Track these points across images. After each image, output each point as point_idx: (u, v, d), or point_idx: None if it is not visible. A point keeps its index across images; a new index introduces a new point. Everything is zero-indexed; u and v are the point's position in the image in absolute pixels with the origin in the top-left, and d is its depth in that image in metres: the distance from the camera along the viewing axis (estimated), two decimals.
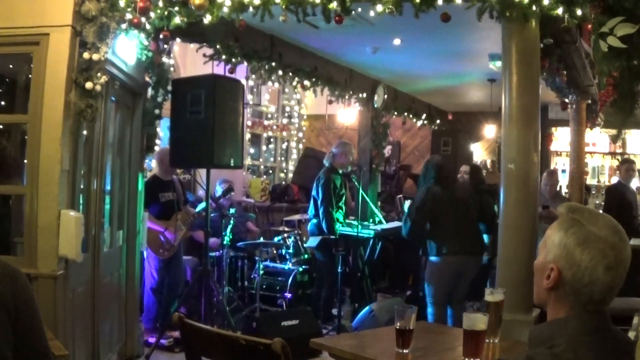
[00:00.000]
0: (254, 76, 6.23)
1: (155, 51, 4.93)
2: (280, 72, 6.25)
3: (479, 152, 11.57)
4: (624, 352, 1.53)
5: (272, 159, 11.37)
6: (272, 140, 11.30)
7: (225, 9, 4.23)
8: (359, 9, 4.42)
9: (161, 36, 4.54)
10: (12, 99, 4.60)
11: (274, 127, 11.10)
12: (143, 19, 4.29)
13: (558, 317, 1.57)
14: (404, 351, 2.65)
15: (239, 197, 8.83)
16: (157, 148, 5.96)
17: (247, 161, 10.14)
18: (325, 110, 9.55)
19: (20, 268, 1.81)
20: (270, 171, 11.32)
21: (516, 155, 4.26)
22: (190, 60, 7.74)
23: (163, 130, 7.31)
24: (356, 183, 7.31)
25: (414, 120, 10.10)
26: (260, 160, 10.96)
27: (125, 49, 4.56)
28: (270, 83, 6.84)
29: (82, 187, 4.30)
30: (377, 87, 8.36)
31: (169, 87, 5.33)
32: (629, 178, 7.76)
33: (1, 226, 4.54)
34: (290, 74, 6.43)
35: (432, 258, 5.50)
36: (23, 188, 4.04)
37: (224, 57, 5.51)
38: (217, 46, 5.42)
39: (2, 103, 4.74)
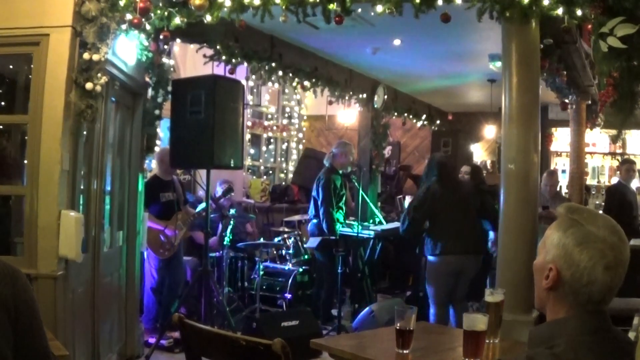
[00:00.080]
0: (254, 77, 6.24)
1: (156, 52, 4.93)
2: (280, 73, 6.25)
3: (479, 153, 11.57)
4: (624, 352, 1.53)
5: (272, 160, 11.37)
6: (272, 140, 11.31)
7: (226, 10, 4.23)
8: (359, 10, 4.42)
9: (161, 37, 4.54)
10: (13, 100, 4.60)
11: (274, 127, 11.10)
12: (143, 20, 4.29)
13: (557, 317, 1.58)
14: (404, 351, 2.65)
15: (239, 198, 8.83)
16: (157, 148, 5.96)
17: (247, 162, 10.15)
18: (325, 110, 9.56)
19: (20, 268, 1.81)
20: (270, 172, 11.32)
21: (516, 155, 4.26)
22: (190, 61, 7.75)
23: (163, 130, 7.32)
24: (356, 183, 7.30)
25: (414, 120, 10.10)
26: (261, 160, 10.96)
27: (126, 50, 4.56)
28: (270, 83, 6.85)
29: (82, 187, 4.30)
30: (377, 88, 8.36)
31: (169, 88, 5.33)
32: (629, 178, 7.76)
33: (1, 226, 4.54)
34: (291, 74, 6.43)
35: (431, 257, 5.49)
36: (23, 188, 4.04)
37: (224, 57, 5.52)
38: (217, 47, 5.42)
39: (3, 103, 4.74)
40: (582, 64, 5.84)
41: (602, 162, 10.75)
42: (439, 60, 7.20)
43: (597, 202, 10.06)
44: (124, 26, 4.30)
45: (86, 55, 3.99)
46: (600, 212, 1.76)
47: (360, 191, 7.38)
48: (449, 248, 5.38)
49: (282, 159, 11.54)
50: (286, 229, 7.78)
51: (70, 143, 4.00)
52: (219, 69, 5.75)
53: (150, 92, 5.25)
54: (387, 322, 5.83)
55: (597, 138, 10.36)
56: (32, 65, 4.02)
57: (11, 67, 4.62)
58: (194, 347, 2.34)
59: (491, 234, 5.96)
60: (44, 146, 3.90)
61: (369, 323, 6.07)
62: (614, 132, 9.39)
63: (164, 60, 5.22)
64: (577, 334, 1.51)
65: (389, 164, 11.14)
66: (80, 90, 3.98)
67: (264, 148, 11.00)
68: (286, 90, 11.04)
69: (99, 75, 4.03)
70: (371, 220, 7.94)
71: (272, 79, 6.29)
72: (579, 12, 4.12)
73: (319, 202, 6.78)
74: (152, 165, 6.58)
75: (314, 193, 6.92)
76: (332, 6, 4.13)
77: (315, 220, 6.88)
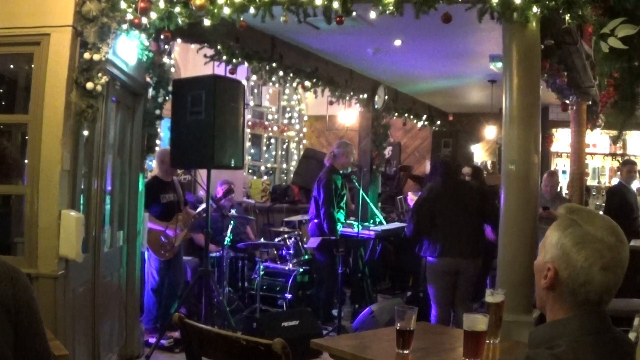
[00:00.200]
0: (254, 77, 6.24)
1: (156, 52, 4.93)
2: (280, 73, 6.25)
3: (480, 153, 11.57)
4: (625, 353, 1.53)
5: (272, 160, 11.37)
6: (272, 140, 11.31)
7: (226, 10, 4.23)
8: (360, 10, 4.42)
9: (162, 37, 4.55)
10: (13, 99, 4.60)
11: (275, 127, 11.10)
12: (144, 20, 4.29)
13: (557, 318, 1.58)
14: (405, 352, 2.65)
15: (240, 198, 8.83)
16: (157, 148, 5.96)
17: (248, 162, 10.15)
18: (325, 111, 9.56)
19: (20, 268, 1.81)
20: (271, 172, 11.32)
21: (517, 156, 4.26)
22: (191, 61, 7.75)
23: (164, 130, 7.32)
24: (356, 184, 7.30)
25: (415, 121, 10.11)
26: (261, 160, 10.96)
27: (126, 50, 4.56)
28: (270, 84, 6.85)
29: (82, 187, 4.30)
30: (377, 88, 8.36)
31: (170, 88, 5.33)
32: (630, 179, 7.76)
33: (1, 226, 4.54)
34: (291, 74, 6.43)
35: (430, 258, 5.48)
36: (23, 188, 4.04)
37: (224, 57, 5.52)
38: (218, 47, 5.42)
39: (3, 103, 4.74)
40: (583, 64, 5.83)
41: (603, 163, 10.75)
42: (440, 60, 7.20)
43: (598, 203, 10.06)
44: (124, 26, 4.30)
45: (87, 55, 3.99)
46: (601, 213, 1.76)
47: (361, 191, 7.38)
48: (447, 250, 5.35)
49: (283, 159, 11.55)
50: (286, 229, 7.78)
51: (70, 143, 4.00)
52: (220, 69, 5.75)
53: (150, 92, 5.25)
54: (387, 322, 5.83)
55: (598, 139, 10.37)
56: (32, 65, 4.01)
57: (12, 66, 4.62)
58: (194, 347, 2.34)
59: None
60: (45, 146, 3.90)
61: (369, 323, 6.07)
62: (614, 133, 9.39)
63: (165, 60, 5.22)
64: (577, 334, 1.51)
65: (390, 165, 11.15)
66: (80, 90, 3.98)
67: (264, 148, 11.01)
68: (287, 91, 11.04)
69: (100, 75, 4.03)
70: (371, 221, 7.94)
71: (273, 79, 6.30)
72: (579, 13, 4.12)
73: (320, 203, 6.77)
74: (153, 165, 6.58)
75: (314, 193, 6.92)
76: (333, 6, 4.13)
77: (316, 221, 6.87)
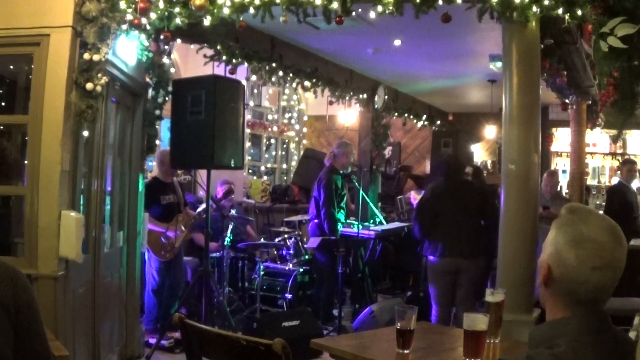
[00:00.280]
0: (254, 77, 6.24)
1: (156, 52, 4.93)
2: (280, 73, 6.25)
3: (480, 153, 11.57)
4: (625, 352, 1.53)
5: (272, 160, 11.37)
6: (272, 141, 11.31)
7: (226, 10, 4.23)
8: (360, 10, 4.42)
9: (162, 37, 4.54)
10: (13, 100, 4.60)
11: (275, 127, 11.11)
12: (143, 20, 4.29)
13: (556, 317, 1.58)
14: (405, 352, 2.65)
15: (240, 198, 8.83)
16: (157, 149, 5.96)
17: (248, 162, 10.15)
18: (325, 111, 9.56)
19: (20, 269, 1.81)
20: (271, 172, 11.32)
21: (517, 155, 4.26)
22: (190, 61, 7.75)
23: (163, 130, 7.32)
24: (356, 184, 7.31)
25: (415, 121, 10.11)
26: (261, 161, 10.96)
27: (126, 50, 4.56)
28: (270, 84, 6.85)
29: (82, 187, 4.30)
30: (377, 88, 8.36)
31: (170, 88, 5.33)
32: (630, 178, 7.76)
33: (1, 227, 4.54)
34: (291, 74, 6.43)
35: (430, 258, 5.48)
36: (23, 189, 4.04)
37: (224, 57, 5.52)
38: (218, 47, 5.42)
39: (3, 104, 4.74)
40: (583, 64, 5.83)
41: (603, 163, 10.76)
42: (440, 60, 7.20)
43: (598, 203, 10.07)
44: (124, 26, 4.30)
45: (86, 56, 3.99)
46: (601, 212, 1.76)
47: (361, 191, 7.38)
48: (447, 250, 5.34)
49: (283, 159, 11.55)
50: (286, 229, 7.78)
51: (70, 143, 4.00)
52: (220, 69, 5.75)
53: (150, 92, 5.25)
54: (388, 322, 5.83)
55: (598, 138, 10.36)
56: (32, 66, 4.02)
57: (12, 67, 4.62)
58: (194, 347, 2.34)
59: None
60: (45, 146, 3.90)
61: (369, 323, 6.07)
62: (614, 132, 9.39)
63: (165, 60, 5.22)
64: (577, 334, 1.51)
65: (390, 165, 11.15)
66: (80, 90, 3.98)
67: (264, 148, 11.01)
68: (286, 91, 11.04)
69: (100, 75, 4.03)
70: (372, 221, 7.94)
71: (273, 79, 6.30)
72: (579, 12, 4.12)
73: (321, 203, 6.77)
74: (153, 165, 6.58)
75: (315, 193, 6.92)
76: (333, 6, 4.13)
77: (316, 221, 6.87)
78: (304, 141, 11.90)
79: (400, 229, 7.72)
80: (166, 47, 5.13)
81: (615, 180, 9.20)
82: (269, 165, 11.23)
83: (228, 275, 6.68)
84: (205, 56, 5.59)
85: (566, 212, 1.60)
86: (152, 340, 5.50)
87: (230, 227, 6.85)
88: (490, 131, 10.35)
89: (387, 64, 7.42)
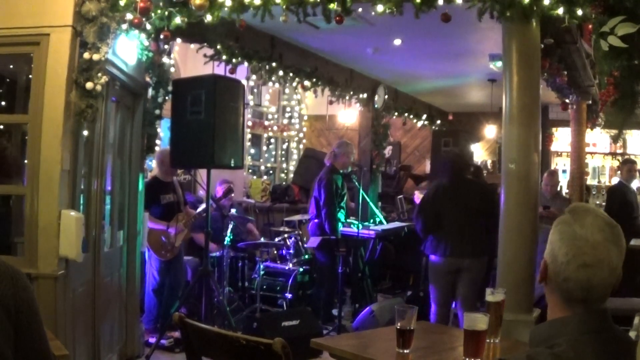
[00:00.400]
0: (254, 76, 6.24)
1: (156, 51, 4.93)
2: (280, 73, 6.25)
3: (480, 153, 11.56)
4: (625, 351, 1.53)
5: (272, 160, 11.37)
6: (272, 140, 11.31)
7: (226, 10, 4.23)
8: (360, 9, 4.42)
9: (161, 36, 4.54)
10: (13, 99, 4.60)
11: (275, 127, 11.10)
12: (143, 19, 4.29)
13: (555, 316, 1.59)
14: (405, 351, 2.65)
15: (240, 198, 8.83)
16: (157, 148, 5.96)
17: (248, 161, 10.15)
18: (325, 110, 9.56)
19: (20, 268, 1.81)
20: (271, 172, 11.32)
21: (517, 155, 4.25)
22: (190, 61, 7.74)
23: (163, 130, 7.32)
24: (356, 183, 7.31)
25: (415, 120, 10.11)
26: (261, 160, 10.96)
27: (126, 49, 4.56)
28: (270, 83, 6.85)
29: (82, 187, 4.30)
30: (377, 88, 8.36)
31: (170, 88, 5.33)
32: (630, 178, 7.76)
33: (1, 226, 4.54)
34: (291, 74, 6.43)
35: (431, 257, 5.47)
36: (23, 188, 4.04)
37: (224, 57, 5.52)
38: (218, 46, 5.42)
39: (3, 103, 4.74)
40: (583, 63, 5.83)
41: (603, 162, 10.75)
42: (440, 60, 7.20)
43: (598, 202, 10.06)
44: (124, 26, 4.30)
45: (86, 55, 3.99)
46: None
47: (361, 191, 7.38)
48: (449, 249, 5.32)
49: (283, 159, 11.54)
50: (286, 229, 7.78)
51: (70, 143, 4.00)
52: (220, 69, 5.75)
53: (150, 92, 5.25)
54: (388, 322, 5.83)
55: (598, 138, 10.36)
56: (32, 65, 4.01)
57: (11, 67, 4.62)
58: (194, 346, 2.34)
59: None
60: (45, 146, 3.90)
61: (369, 323, 6.07)
62: (614, 132, 9.39)
63: (165, 60, 5.22)
64: (577, 333, 1.51)
65: (390, 164, 11.14)
66: (80, 90, 3.98)
67: (264, 148, 11.00)
68: (286, 90, 11.04)
69: (99, 75, 4.03)
70: (372, 220, 7.95)
71: (273, 78, 6.30)
72: (579, 12, 4.12)
73: (322, 203, 6.76)
74: (152, 165, 6.58)
75: (315, 193, 6.91)
76: (333, 6, 4.13)
77: (316, 220, 6.87)
78: (304, 141, 11.90)
79: (401, 228, 7.72)
80: (166, 46, 5.13)
81: (615, 180, 9.20)
82: (269, 165, 11.23)
83: (228, 275, 6.67)
84: (205, 56, 5.59)
85: (567, 210, 1.62)
86: (152, 340, 5.50)
87: (230, 226, 6.85)
88: (490, 131, 10.35)
89: (387, 64, 7.42)
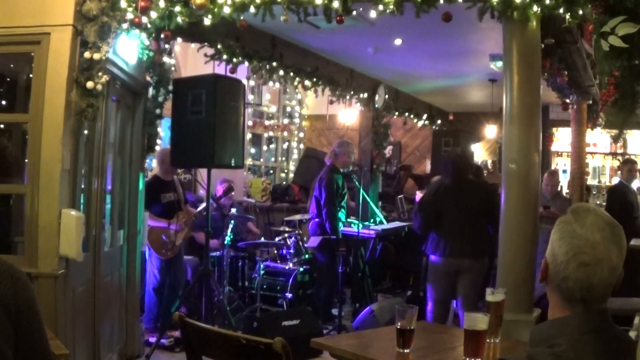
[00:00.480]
0: (255, 76, 6.24)
1: (156, 51, 4.93)
2: (281, 72, 6.25)
3: (480, 153, 11.56)
4: (625, 351, 1.53)
5: (272, 159, 11.37)
6: (273, 140, 11.31)
7: (227, 9, 4.23)
8: (360, 9, 4.42)
9: (162, 36, 4.54)
10: (13, 99, 4.60)
11: (275, 127, 11.10)
12: (144, 19, 4.29)
13: (555, 316, 1.59)
14: (405, 351, 2.65)
15: (240, 197, 8.83)
16: (157, 148, 5.96)
17: (248, 161, 10.15)
18: (326, 110, 9.55)
19: (20, 267, 1.81)
20: (271, 171, 11.32)
21: (517, 155, 4.25)
22: (191, 60, 7.75)
23: (164, 130, 7.32)
24: (357, 183, 7.30)
25: (415, 120, 10.11)
26: (261, 160, 10.96)
27: (127, 49, 4.56)
28: (271, 83, 6.84)
29: (82, 186, 4.30)
30: (378, 87, 8.36)
31: (170, 87, 5.33)
32: (630, 178, 7.76)
33: (2, 226, 4.54)
34: (291, 74, 6.43)
35: (431, 256, 5.46)
36: (24, 187, 4.04)
37: (225, 57, 5.52)
38: (218, 46, 5.42)
39: (3, 102, 4.74)
40: (583, 63, 5.83)
41: (603, 162, 10.75)
42: (440, 60, 7.19)
43: (598, 202, 10.06)
44: (125, 25, 4.29)
45: (87, 54, 3.99)
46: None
47: (361, 191, 7.38)
48: (449, 250, 5.31)
49: (283, 159, 11.54)
50: (287, 229, 7.78)
51: (71, 142, 4.00)
52: (220, 69, 5.75)
53: (151, 91, 5.25)
54: (388, 321, 5.83)
55: (598, 138, 10.36)
56: (33, 64, 4.01)
57: (12, 66, 4.62)
58: (194, 346, 2.34)
59: None
60: (45, 145, 3.90)
61: (369, 322, 6.07)
62: (615, 132, 9.39)
63: (165, 59, 5.21)
64: (578, 333, 1.51)
65: (390, 164, 11.14)
66: (81, 89, 3.98)
67: (264, 147, 11.00)
68: (287, 90, 11.04)
69: (100, 74, 4.03)
70: (372, 220, 7.94)
71: (273, 78, 6.29)
72: (580, 12, 4.11)
73: (322, 203, 6.76)
74: (153, 164, 6.58)
75: (315, 193, 6.91)
76: (333, 6, 4.13)
77: (317, 220, 6.87)
78: (304, 140, 11.90)
79: (401, 228, 7.72)
80: (167, 46, 5.13)
81: (615, 180, 9.20)
82: (269, 165, 11.23)
83: (228, 274, 6.68)
84: (205, 55, 5.59)
85: (568, 211, 1.63)
86: (152, 339, 5.50)
87: (231, 226, 6.85)
88: (490, 131, 10.35)
89: (387, 63, 7.42)
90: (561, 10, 4.05)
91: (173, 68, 5.60)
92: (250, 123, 10.06)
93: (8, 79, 4.72)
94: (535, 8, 4.01)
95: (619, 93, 5.91)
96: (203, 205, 6.18)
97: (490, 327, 2.62)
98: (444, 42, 6.25)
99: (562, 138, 10.71)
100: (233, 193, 7.12)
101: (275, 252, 7.54)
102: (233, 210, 7.14)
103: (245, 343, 2.12)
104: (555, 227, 1.60)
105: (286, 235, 7.55)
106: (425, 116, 10.24)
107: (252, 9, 4.22)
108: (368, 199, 7.80)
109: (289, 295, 6.82)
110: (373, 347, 2.97)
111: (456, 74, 8.01)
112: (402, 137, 11.88)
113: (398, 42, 6.23)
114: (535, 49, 4.31)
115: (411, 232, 6.98)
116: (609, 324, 1.55)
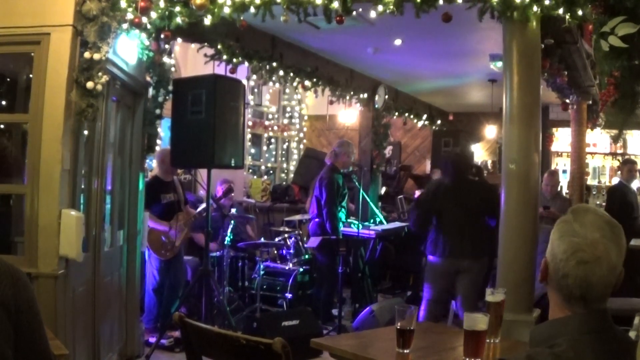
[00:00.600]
0: (255, 76, 6.23)
1: (156, 51, 4.93)
2: (281, 72, 6.25)
3: (480, 153, 11.56)
4: (625, 352, 1.53)
5: (272, 159, 11.37)
6: (272, 140, 11.31)
7: (227, 9, 4.23)
8: (360, 9, 4.42)
9: (162, 36, 4.54)
10: (13, 99, 4.60)
11: (275, 127, 11.10)
12: (144, 19, 4.29)
13: (556, 316, 1.59)
14: (405, 351, 2.65)
15: (240, 198, 8.83)
16: (157, 148, 5.95)
17: (248, 161, 10.15)
18: (326, 110, 9.56)
19: (20, 267, 1.81)
20: (271, 171, 11.32)
21: (517, 155, 4.25)
22: (191, 60, 7.75)
23: (164, 130, 7.32)
24: (357, 183, 7.30)
25: (415, 120, 10.11)
26: (261, 160, 10.96)
27: (126, 49, 4.56)
28: (271, 83, 6.84)
29: (82, 186, 4.30)
30: (378, 88, 8.36)
31: (170, 87, 5.33)
32: (630, 178, 7.76)
33: (2, 226, 4.54)
34: (291, 74, 6.43)
35: (430, 257, 5.45)
36: (24, 187, 4.04)
37: (225, 57, 5.51)
38: (218, 46, 5.42)
39: (3, 102, 4.74)
40: (583, 64, 5.83)
41: (603, 163, 10.75)
42: (440, 60, 7.19)
43: (598, 202, 10.06)
44: (124, 25, 4.30)
45: (87, 55, 3.99)
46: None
47: (361, 191, 7.38)
48: (448, 250, 5.30)
49: (283, 159, 11.54)
50: (287, 229, 7.78)
51: (71, 142, 4.00)
52: (220, 69, 5.75)
53: (151, 91, 5.25)
54: (388, 321, 5.83)
55: (598, 138, 10.36)
56: (32, 65, 4.01)
57: (12, 66, 4.62)
58: (194, 346, 2.34)
59: None
60: (45, 145, 3.90)
61: (369, 323, 6.07)
62: (614, 132, 9.39)
63: (165, 59, 5.21)
64: (578, 333, 1.51)
65: (390, 164, 11.14)
66: (81, 89, 3.98)
67: (264, 148, 11.01)
68: (287, 90, 11.04)
69: (100, 74, 4.03)
70: (372, 220, 7.94)
71: (273, 78, 6.29)
72: (580, 12, 4.11)
73: (323, 203, 6.76)
74: (153, 164, 6.58)
75: (316, 192, 6.91)
76: (333, 6, 4.13)
77: (317, 220, 6.87)
78: (304, 141, 11.90)
79: (401, 228, 7.72)
80: (167, 46, 5.13)
81: (615, 180, 9.20)
82: (269, 165, 11.23)
83: (228, 275, 6.67)
84: (205, 55, 5.59)
85: (569, 211, 1.63)
86: (152, 339, 5.50)
87: (231, 226, 6.85)
88: (490, 131, 10.35)
89: (387, 64, 7.42)
90: (561, 11, 4.05)
91: (173, 68, 5.60)
92: (250, 123, 10.06)
93: (8, 79, 4.72)
94: (535, 8, 4.01)
95: (618, 93, 5.92)
96: (203, 205, 6.18)
97: (490, 327, 2.62)
98: (444, 42, 6.25)
99: (562, 138, 10.71)
100: (233, 194, 7.12)
101: (275, 252, 7.54)
102: (233, 211, 7.13)
103: (245, 343, 2.12)
104: (555, 227, 1.61)
105: (286, 235, 7.55)
106: (425, 116, 10.24)
107: (252, 9, 4.22)
108: (368, 199, 7.80)
109: (289, 295, 6.81)
110: (373, 347, 2.97)
111: (456, 74, 8.01)
112: (402, 137, 11.89)
113: (398, 42, 6.22)
114: (535, 49, 4.31)
115: (411, 233, 6.98)
116: (609, 324, 1.55)
